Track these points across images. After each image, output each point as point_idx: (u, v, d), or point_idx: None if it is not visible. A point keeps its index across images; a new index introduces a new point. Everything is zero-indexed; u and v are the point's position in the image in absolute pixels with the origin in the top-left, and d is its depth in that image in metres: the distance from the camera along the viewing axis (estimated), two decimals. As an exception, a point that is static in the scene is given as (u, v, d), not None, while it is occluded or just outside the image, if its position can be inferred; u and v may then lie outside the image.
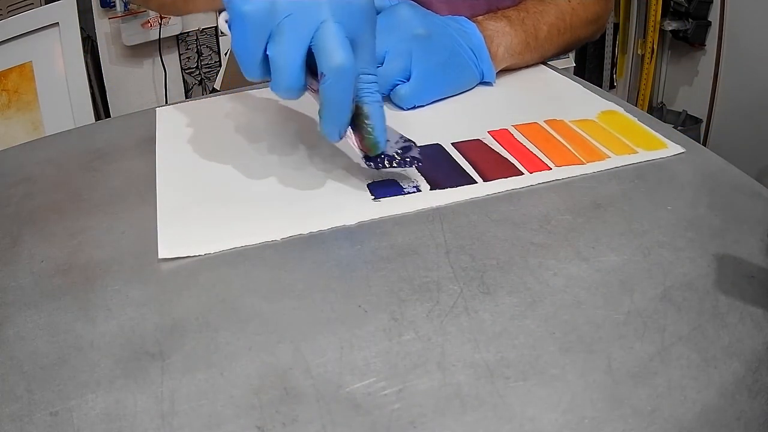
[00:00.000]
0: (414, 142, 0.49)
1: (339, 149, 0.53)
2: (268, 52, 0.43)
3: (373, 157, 0.47)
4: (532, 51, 0.68)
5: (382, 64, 0.58)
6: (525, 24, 0.67)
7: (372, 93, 0.46)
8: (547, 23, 0.68)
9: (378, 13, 0.58)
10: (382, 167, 0.47)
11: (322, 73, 0.43)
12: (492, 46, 0.64)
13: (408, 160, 0.47)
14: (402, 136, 0.49)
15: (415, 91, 0.59)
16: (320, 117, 0.45)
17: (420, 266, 0.40)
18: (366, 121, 0.46)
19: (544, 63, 0.71)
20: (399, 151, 0.48)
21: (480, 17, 0.66)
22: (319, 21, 0.42)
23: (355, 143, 0.47)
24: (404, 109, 0.60)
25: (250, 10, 0.42)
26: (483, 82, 0.65)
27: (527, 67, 0.69)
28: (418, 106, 0.60)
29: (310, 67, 0.44)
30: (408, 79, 0.59)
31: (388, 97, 0.60)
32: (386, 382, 0.32)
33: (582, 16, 0.72)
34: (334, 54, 0.42)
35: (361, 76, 0.45)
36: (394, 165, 0.47)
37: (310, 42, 0.43)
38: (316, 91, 0.45)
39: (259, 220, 0.45)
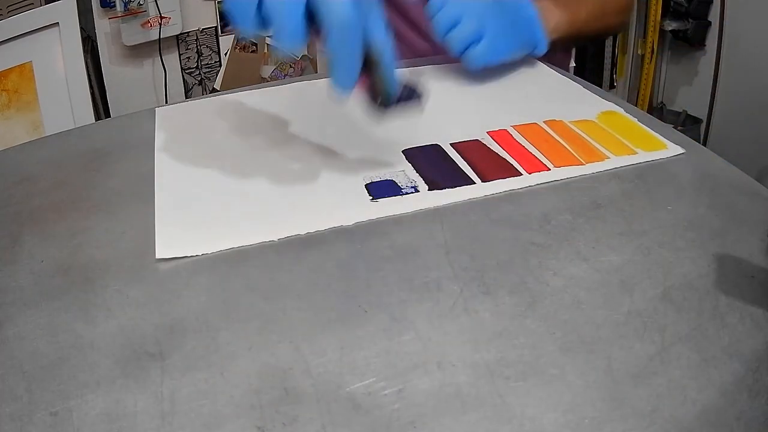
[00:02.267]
0: (416, 80, 0.46)
1: (338, 150, 0.53)
2: (265, 3, 0.40)
3: (378, 98, 0.45)
4: (575, 31, 0.72)
5: (456, 26, 0.62)
6: (568, 6, 0.71)
7: (380, 30, 0.43)
8: (586, 9, 0.73)
9: None
10: (388, 106, 0.45)
11: (328, 30, 0.40)
12: (543, 21, 0.67)
13: (413, 98, 0.46)
14: (406, 77, 0.46)
15: (487, 52, 0.62)
16: (330, 74, 0.42)
17: (420, 266, 0.40)
18: (377, 65, 0.43)
19: (545, 63, 0.71)
20: (404, 93, 0.45)
21: None
22: None
23: (361, 88, 0.45)
24: (476, 70, 0.64)
25: None
26: (531, 55, 0.68)
27: (527, 66, 0.69)
28: (489, 67, 0.64)
29: (311, 13, 0.41)
30: (479, 41, 0.62)
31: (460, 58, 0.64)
32: (386, 382, 0.32)
33: (613, 6, 0.77)
34: (336, 7, 0.39)
35: (367, 14, 0.42)
36: (400, 102, 0.45)
37: None
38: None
39: (257, 220, 0.45)
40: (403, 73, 0.46)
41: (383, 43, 0.43)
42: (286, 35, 0.41)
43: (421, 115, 0.59)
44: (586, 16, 0.73)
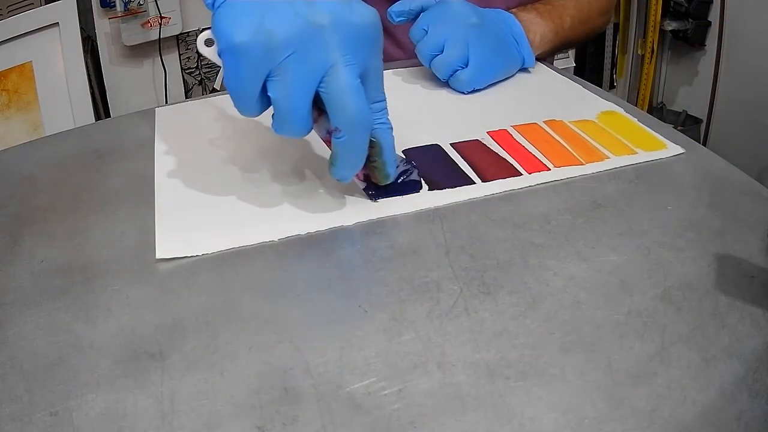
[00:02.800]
0: (413, 163, 0.49)
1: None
2: (269, 93, 0.39)
3: (374, 185, 0.47)
4: (560, 40, 0.73)
5: (442, 51, 0.62)
6: (552, 15, 0.72)
7: (384, 122, 0.44)
8: (570, 15, 0.73)
9: (424, 10, 0.63)
10: (383, 197, 0.47)
11: (336, 127, 0.40)
12: (529, 34, 0.68)
13: (409, 184, 0.48)
14: (402, 159, 0.49)
15: (474, 76, 0.63)
16: (332, 164, 0.42)
17: (420, 266, 0.40)
18: (378, 157, 0.44)
19: (545, 63, 0.71)
20: (401, 177, 0.48)
21: (513, 9, 0.70)
22: (328, 64, 0.39)
23: (359, 174, 0.47)
24: (465, 93, 0.64)
25: (245, 43, 0.37)
26: (521, 69, 0.69)
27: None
28: (476, 90, 0.64)
29: (314, 101, 0.41)
30: (466, 65, 0.62)
31: (446, 82, 0.65)
32: (386, 382, 0.32)
33: (596, 8, 0.78)
34: (350, 108, 0.39)
35: (371, 105, 0.42)
36: (395, 193, 0.47)
37: (318, 85, 0.39)
38: (325, 130, 0.43)
39: (257, 220, 0.45)
40: (400, 158, 0.48)
41: (386, 134, 0.44)
42: (290, 126, 0.40)
43: (421, 115, 0.59)
44: (570, 23, 0.73)
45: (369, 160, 0.44)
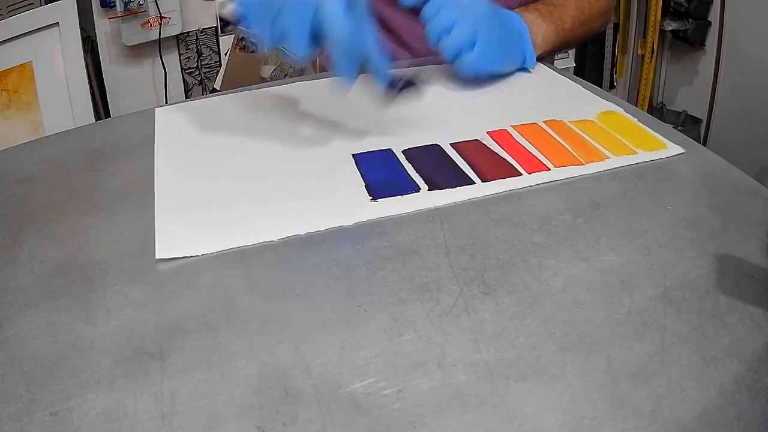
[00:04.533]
0: (412, 80, 0.54)
1: (339, 150, 0.53)
2: (275, 27, 0.49)
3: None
4: (560, 41, 0.73)
5: (450, 32, 0.63)
6: (553, 16, 0.72)
7: (369, 35, 0.50)
8: (571, 15, 0.74)
9: None
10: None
11: (330, 43, 0.48)
12: (531, 34, 0.68)
13: (409, 83, 0.53)
14: (403, 77, 0.54)
15: (478, 60, 0.63)
16: (334, 72, 0.50)
17: (420, 266, 0.40)
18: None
19: (545, 63, 0.71)
20: (400, 87, 0.53)
21: (515, 9, 0.70)
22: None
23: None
24: (466, 77, 0.64)
25: None
26: (521, 69, 0.69)
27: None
28: (479, 77, 0.64)
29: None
30: (472, 48, 0.63)
31: (448, 80, 0.65)
32: (386, 382, 0.32)
33: (596, 9, 0.78)
34: (337, 28, 0.48)
35: (360, 22, 0.49)
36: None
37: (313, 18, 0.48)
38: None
39: (257, 220, 0.45)
40: (399, 75, 0.52)
41: (372, 47, 0.50)
42: (296, 49, 0.50)
43: (421, 115, 0.59)
44: (571, 24, 0.74)
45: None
